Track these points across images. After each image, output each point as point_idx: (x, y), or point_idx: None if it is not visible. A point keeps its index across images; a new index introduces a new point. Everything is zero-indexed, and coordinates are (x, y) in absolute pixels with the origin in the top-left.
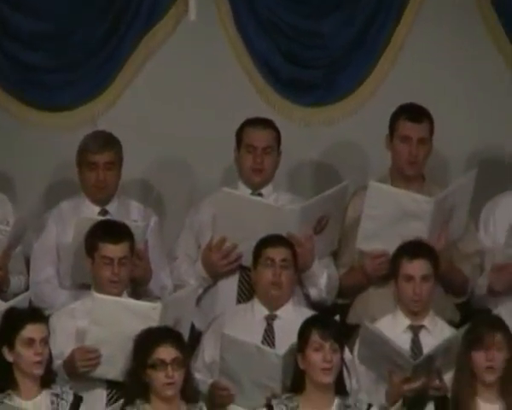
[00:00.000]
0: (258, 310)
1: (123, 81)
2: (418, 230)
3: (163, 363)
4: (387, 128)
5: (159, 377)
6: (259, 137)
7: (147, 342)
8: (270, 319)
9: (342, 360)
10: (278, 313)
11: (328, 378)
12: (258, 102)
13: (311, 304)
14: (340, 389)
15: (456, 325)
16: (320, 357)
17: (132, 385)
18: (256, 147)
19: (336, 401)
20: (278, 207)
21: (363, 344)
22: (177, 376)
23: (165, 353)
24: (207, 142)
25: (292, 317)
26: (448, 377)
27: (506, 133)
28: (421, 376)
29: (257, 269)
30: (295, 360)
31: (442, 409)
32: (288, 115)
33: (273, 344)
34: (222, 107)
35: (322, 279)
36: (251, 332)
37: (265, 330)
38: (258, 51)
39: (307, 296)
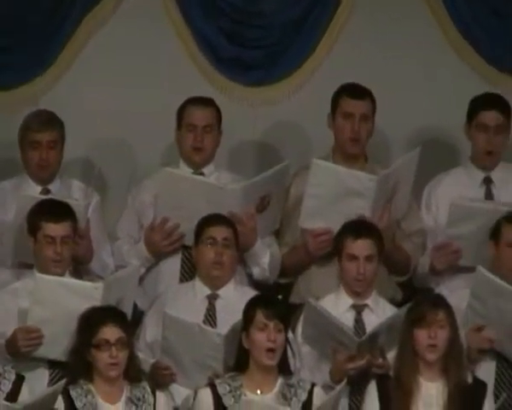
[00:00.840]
0: (200, 289)
1: (65, 60)
2: (361, 208)
3: (107, 343)
4: (329, 108)
5: (103, 358)
6: (200, 116)
7: (91, 321)
8: (211, 299)
9: (287, 339)
10: (220, 292)
11: (272, 361)
12: (200, 82)
13: (254, 283)
14: (283, 368)
15: (399, 304)
16: (264, 337)
17: (76, 365)
18: (196, 126)
19: (280, 380)
20: (220, 186)
21: (307, 323)
22: (121, 356)
23: (110, 333)
24: (149, 121)
25: (234, 296)
26: (391, 356)
27: (448, 113)
28: (365, 354)
29: (198, 248)
30: (239, 339)
31: (384, 387)
32: (229, 95)
33: (215, 324)
34: (164, 86)
35: (265, 258)
36: (193, 311)
37: (207, 310)
38: (201, 31)
39: (250, 275)
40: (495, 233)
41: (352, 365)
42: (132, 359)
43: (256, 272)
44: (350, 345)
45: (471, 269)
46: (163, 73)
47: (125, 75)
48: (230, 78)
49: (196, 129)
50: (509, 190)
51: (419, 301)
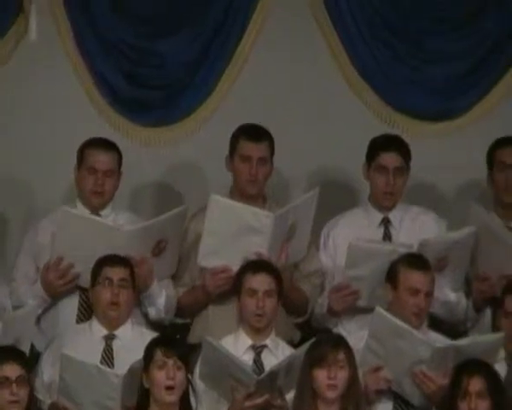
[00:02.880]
0: (97, 330)
1: None
2: (258, 245)
3: (8, 380)
4: (228, 148)
5: (4, 395)
6: (101, 160)
7: None
8: (108, 339)
9: (187, 378)
10: (117, 332)
11: (171, 397)
12: (98, 122)
13: (150, 324)
14: (184, 408)
15: (297, 345)
16: (163, 375)
17: None
18: (97, 170)
19: None
20: (117, 228)
21: (205, 361)
22: (22, 394)
23: (11, 370)
24: (47, 160)
25: (131, 337)
26: (290, 397)
27: (346, 154)
28: (264, 393)
29: (95, 289)
30: (140, 379)
31: None
32: (128, 135)
33: (112, 364)
34: (62, 126)
35: (161, 299)
36: (90, 352)
37: (104, 350)
38: (99, 71)
39: (146, 316)
40: (391, 277)
41: (249, 403)
42: (32, 398)
43: (152, 312)
44: (248, 383)
45: (369, 310)
46: (61, 111)
47: (23, 113)
48: (129, 118)
49: (97, 173)
50: (407, 231)
51: (319, 340)
